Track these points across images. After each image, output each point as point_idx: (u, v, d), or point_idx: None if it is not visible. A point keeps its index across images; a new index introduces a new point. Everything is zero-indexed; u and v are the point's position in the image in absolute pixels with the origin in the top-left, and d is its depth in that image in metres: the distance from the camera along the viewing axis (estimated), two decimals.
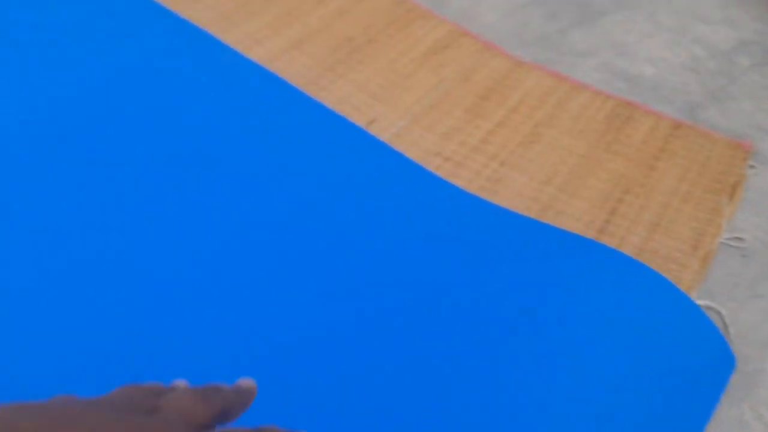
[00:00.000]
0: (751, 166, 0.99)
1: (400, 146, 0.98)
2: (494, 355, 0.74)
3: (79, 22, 1.11)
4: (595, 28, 1.23)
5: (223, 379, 0.48)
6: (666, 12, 1.28)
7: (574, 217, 0.90)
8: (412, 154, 0.97)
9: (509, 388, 0.72)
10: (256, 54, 1.10)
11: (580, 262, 0.83)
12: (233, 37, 1.12)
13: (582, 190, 0.94)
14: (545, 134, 1.01)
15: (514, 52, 1.16)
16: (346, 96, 1.05)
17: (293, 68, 1.08)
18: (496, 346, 0.75)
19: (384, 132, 1.00)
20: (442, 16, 1.22)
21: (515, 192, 0.93)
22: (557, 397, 0.71)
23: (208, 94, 1.02)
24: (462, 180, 0.94)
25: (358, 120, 1.01)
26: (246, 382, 0.45)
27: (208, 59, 1.08)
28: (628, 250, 0.86)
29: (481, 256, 0.84)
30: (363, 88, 1.06)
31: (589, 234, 0.88)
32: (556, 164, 0.97)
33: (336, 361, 0.73)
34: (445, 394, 0.71)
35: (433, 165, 0.96)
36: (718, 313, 0.82)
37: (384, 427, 0.69)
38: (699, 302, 0.82)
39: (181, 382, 0.44)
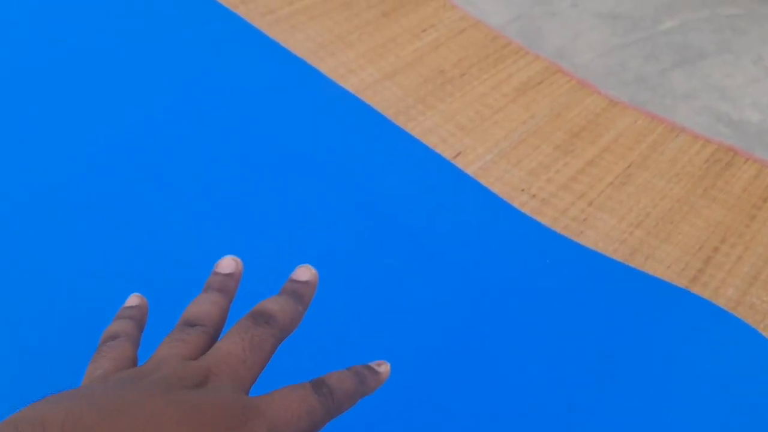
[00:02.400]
0: None
1: (485, 180, 0.97)
2: (572, 403, 0.71)
3: (182, 47, 1.16)
4: (696, 70, 1.19)
5: None
6: None
7: (665, 263, 0.86)
8: (497, 188, 0.96)
9: None
10: (349, 83, 1.12)
11: (667, 311, 0.79)
12: (328, 66, 1.15)
13: (675, 235, 0.89)
14: (638, 176, 0.98)
15: (610, 92, 1.13)
16: (434, 127, 1.05)
17: (384, 98, 1.10)
18: (575, 395, 0.72)
19: (470, 165, 0.99)
20: (537, 52, 1.21)
21: (602, 233, 0.90)
22: None
23: (299, 120, 1.04)
24: (547, 218, 0.92)
25: (445, 152, 1.01)
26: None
27: (302, 86, 1.11)
28: (722, 303, 0.81)
29: (564, 299, 0.81)
30: (451, 120, 1.06)
31: (681, 283, 0.84)
32: (647, 207, 0.93)
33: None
34: None
35: (519, 201, 0.94)
36: None
37: None
38: None
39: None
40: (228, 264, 0.52)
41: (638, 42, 1.26)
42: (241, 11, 1.25)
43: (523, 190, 0.96)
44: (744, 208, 0.93)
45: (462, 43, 1.22)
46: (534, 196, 0.95)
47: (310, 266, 0.52)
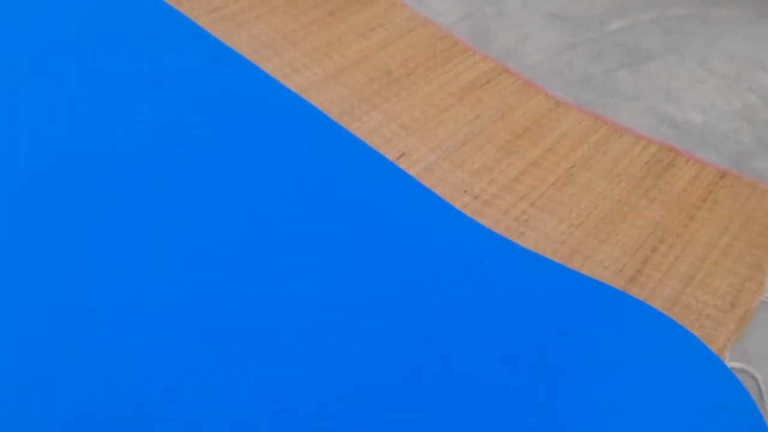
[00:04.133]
0: None
1: (428, 181, 0.96)
2: (508, 403, 0.70)
3: (123, 45, 1.13)
4: (643, 71, 1.19)
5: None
6: (720, 58, 1.23)
7: (603, 264, 0.86)
8: (440, 190, 0.95)
9: None
10: (293, 82, 1.10)
11: (604, 312, 0.79)
12: (272, 65, 1.13)
13: (614, 236, 0.89)
14: (580, 176, 0.97)
15: (556, 92, 1.13)
16: (379, 127, 1.04)
17: (329, 98, 1.08)
18: (510, 395, 0.71)
19: (414, 166, 0.98)
20: (485, 53, 1.20)
21: (543, 234, 0.89)
22: None
23: (241, 119, 1.02)
24: (489, 219, 0.91)
25: (389, 152, 1.00)
26: None
27: (246, 86, 1.09)
28: (658, 303, 0.81)
29: (502, 300, 0.81)
30: (396, 120, 1.05)
31: (618, 283, 0.84)
32: (588, 208, 0.93)
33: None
34: None
35: (461, 203, 0.93)
36: (753, 378, 0.76)
37: None
38: (733, 364, 0.76)
39: None
40: None
41: (586, 42, 1.26)
42: (185, 9, 1.22)
43: (465, 191, 0.95)
44: (683, 208, 0.93)
45: (409, 42, 1.20)
46: (476, 197, 0.94)
47: None
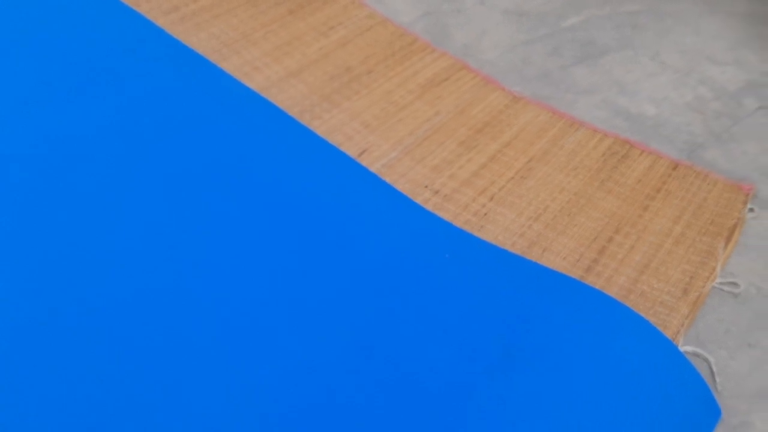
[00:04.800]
0: (751, 210, 0.96)
1: (389, 177, 0.97)
2: (469, 393, 0.72)
3: (81, 45, 1.12)
4: (598, 65, 1.22)
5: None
6: (672, 52, 1.26)
7: (561, 255, 0.88)
8: (401, 185, 0.96)
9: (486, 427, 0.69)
10: (253, 81, 1.10)
11: (561, 302, 0.81)
12: (232, 65, 1.13)
13: (571, 227, 0.91)
14: (538, 170, 0.99)
15: (514, 88, 1.15)
16: (340, 125, 1.04)
17: (289, 96, 1.08)
18: (471, 385, 0.72)
19: (375, 163, 0.99)
20: (444, 50, 1.22)
21: (502, 227, 0.91)
22: None
23: (202, 119, 1.02)
24: (449, 214, 0.92)
25: (350, 150, 1.00)
26: None
27: (206, 86, 1.08)
28: (614, 292, 0.84)
29: (463, 291, 0.82)
30: (357, 118, 1.06)
31: (575, 273, 0.86)
32: (546, 201, 0.95)
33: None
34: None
35: (422, 198, 0.95)
36: (706, 360, 0.78)
37: None
38: (686, 348, 0.79)
39: None
40: None
41: (543, 38, 1.28)
42: (143, 9, 1.21)
43: (426, 186, 0.96)
44: (638, 198, 0.96)
45: (369, 40, 1.21)
46: (437, 192, 0.96)
47: None
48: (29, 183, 0.90)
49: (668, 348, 0.77)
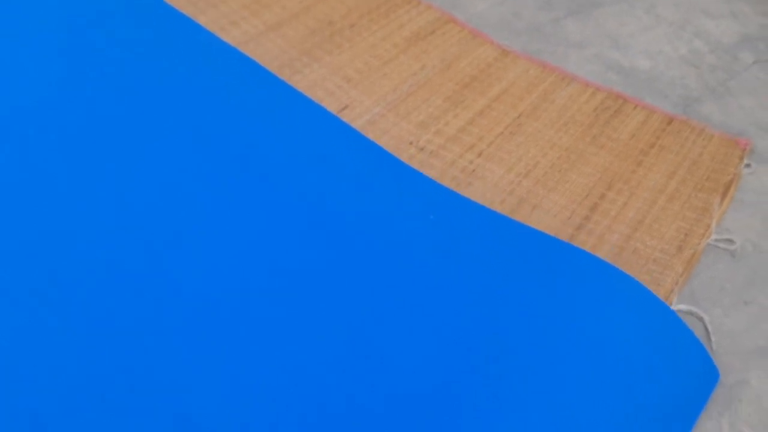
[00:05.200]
0: (747, 165, 0.92)
1: (372, 134, 0.93)
2: (456, 357, 0.69)
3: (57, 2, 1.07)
4: (590, 19, 1.17)
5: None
6: (666, 4, 1.21)
7: (552, 212, 0.84)
8: (385, 142, 0.92)
9: (474, 397, 0.66)
10: (230, 36, 1.05)
11: (550, 265, 0.77)
12: (208, 18, 1.08)
13: (562, 184, 0.88)
14: (528, 126, 0.95)
15: (503, 41, 1.10)
16: (321, 80, 1.00)
17: (268, 50, 1.04)
18: (457, 350, 0.69)
19: (357, 119, 0.95)
20: (429, 2, 1.17)
21: (491, 184, 0.87)
22: (524, 412, 0.66)
23: (178, 75, 0.97)
24: (435, 171, 0.89)
25: (331, 105, 0.96)
26: None
27: (181, 40, 1.03)
28: (606, 249, 0.80)
29: (447, 253, 0.78)
30: (339, 73, 1.01)
31: (567, 231, 0.82)
32: (536, 157, 0.91)
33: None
34: (413, 396, 0.66)
35: (407, 155, 0.91)
36: (701, 319, 0.76)
37: None
38: (681, 307, 0.76)
39: None
40: None
41: None
42: None
43: (411, 143, 0.92)
44: (631, 154, 0.92)
45: None
46: (422, 149, 0.92)
47: None
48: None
49: (659, 307, 0.74)
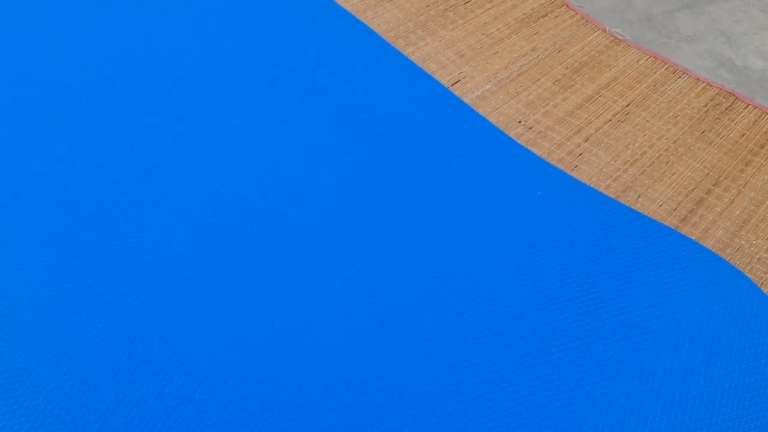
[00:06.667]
0: None
1: (482, 110, 0.95)
2: (553, 334, 0.71)
3: None
4: (704, 13, 1.16)
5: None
6: None
7: (657, 202, 0.86)
8: (494, 119, 0.94)
9: (570, 374, 0.69)
10: (349, 3, 1.09)
11: (656, 250, 0.79)
12: None
13: (668, 175, 0.89)
14: (636, 115, 0.96)
15: (615, 30, 1.10)
16: (434, 53, 1.02)
17: (384, 20, 1.07)
18: (556, 326, 0.72)
19: (468, 94, 0.97)
20: None
21: (596, 169, 0.89)
22: (611, 398, 0.68)
23: (295, 38, 1.01)
24: (542, 150, 0.91)
25: (443, 79, 0.99)
26: None
27: (300, 4, 1.07)
28: (710, 244, 0.81)
29: (553, 231, 0.81)
30: (452, 48, 1.03)
31: (670, 222, 0.83)
32: (643, 146, 0.92)
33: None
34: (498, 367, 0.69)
35: (515, 132, 0.93)
36: None
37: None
38: None
39: None
40: None
41: None
42: None
43: (519, 121, 0.94)
44: (740, 152, 0.92)
45: None
46: (530, 128, 0.94)
47: None
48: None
49: (766, 304, 0.75)
